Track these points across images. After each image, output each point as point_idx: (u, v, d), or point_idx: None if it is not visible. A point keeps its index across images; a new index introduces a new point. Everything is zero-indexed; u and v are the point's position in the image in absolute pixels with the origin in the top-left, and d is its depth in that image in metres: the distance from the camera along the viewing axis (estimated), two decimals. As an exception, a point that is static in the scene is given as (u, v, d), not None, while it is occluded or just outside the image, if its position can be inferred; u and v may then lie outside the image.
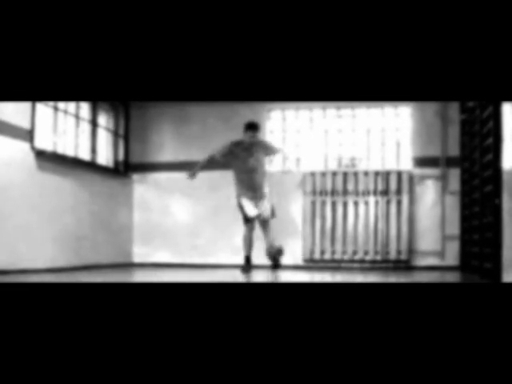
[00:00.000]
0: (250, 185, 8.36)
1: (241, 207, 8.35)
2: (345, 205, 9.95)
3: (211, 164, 8.67)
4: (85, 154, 9.73)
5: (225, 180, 10.51)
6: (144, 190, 11.02)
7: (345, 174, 10.05)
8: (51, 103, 8.67)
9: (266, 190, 8.49)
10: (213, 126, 10.70)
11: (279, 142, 10.50)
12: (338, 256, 9.90)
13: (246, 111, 10.49)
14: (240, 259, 9.13)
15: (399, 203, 9.80)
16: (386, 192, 9.87)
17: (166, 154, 10.96)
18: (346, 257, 9.89)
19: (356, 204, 9.94)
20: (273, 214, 8.47)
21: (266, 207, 8.42)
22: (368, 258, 9.83)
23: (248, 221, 8.34)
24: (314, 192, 10.00)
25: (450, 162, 9.79)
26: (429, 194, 9.90)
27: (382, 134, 10.32)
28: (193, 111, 10.81)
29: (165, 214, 10.88)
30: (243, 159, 8.29)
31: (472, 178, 8.05)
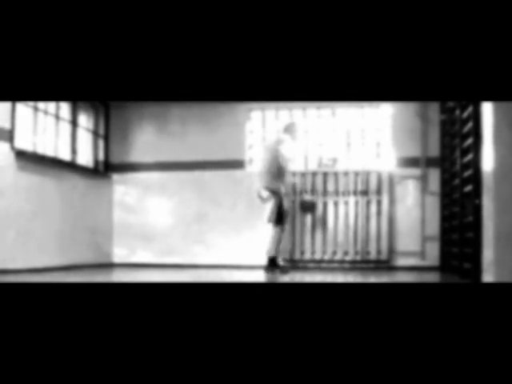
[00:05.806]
0: None
1: (282, 207, 8.60)
2: (325, 205, 9.96)
3: None
4: (65, 154, 9.69)
5: (206, 180, 10.51)
6: (124, 189, 10.98)
7: (325, 174, 10.07)
8: (31, 103, 8.62)
9: None
10: (193, 126, 10.68)
11: (259, 143, 10.51)
12: (317, 256, 9.91)
13: (226, 111, 10.50)
14: (216, 259, 9.15)
15: (379, 203, 9.83)
16: (366, 192, 9.90)
17: (146, 154, 10.93)
18: (325, 257, 9.90)
19: (336, 204, 9.95)
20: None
21: None
22: (348, 258, 9.84)
23: (282, 221, 8.63)
24: (294, 192, 9.99)
25: (430, 162, 9.82)
26: (409, 194, 9.93)
27: (362, 135, 10.35)
28: (173, 111, 10.79)
29: (144, 214, 10.85)
30: None
31: (452, 178, 8.08)
